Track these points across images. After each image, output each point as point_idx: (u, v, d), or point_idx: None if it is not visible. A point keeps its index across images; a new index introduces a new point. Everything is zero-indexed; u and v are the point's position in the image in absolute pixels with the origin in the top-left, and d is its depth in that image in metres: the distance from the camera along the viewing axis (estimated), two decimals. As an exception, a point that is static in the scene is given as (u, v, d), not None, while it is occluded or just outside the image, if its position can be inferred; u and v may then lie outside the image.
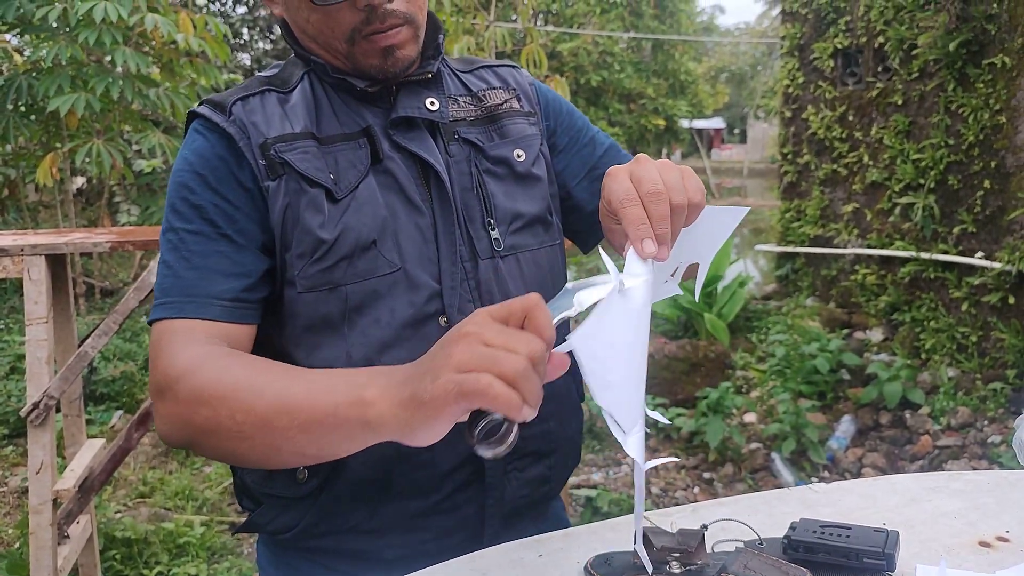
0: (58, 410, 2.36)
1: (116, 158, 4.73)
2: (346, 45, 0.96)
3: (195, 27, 4.56)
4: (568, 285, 0.74)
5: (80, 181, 7.91)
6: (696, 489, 3.71)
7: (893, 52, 5.16)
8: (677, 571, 0.81)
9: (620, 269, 0.76)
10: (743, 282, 6.00)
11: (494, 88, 1.11)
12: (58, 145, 5.33)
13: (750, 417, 4.38)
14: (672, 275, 0.87)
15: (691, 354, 4.79)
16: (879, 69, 5.49)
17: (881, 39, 5.31)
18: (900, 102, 5.19)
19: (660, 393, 4.45)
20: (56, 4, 4.34)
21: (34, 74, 4.82)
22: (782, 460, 3.80)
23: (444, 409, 0.66)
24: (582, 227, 1.17)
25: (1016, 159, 4.38)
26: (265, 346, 1.00)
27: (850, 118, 5.72)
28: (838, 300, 5.93)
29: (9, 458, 3.81)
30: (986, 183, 4.56)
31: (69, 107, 4.37)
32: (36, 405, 2.08)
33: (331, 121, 0.99)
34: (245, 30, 13.30)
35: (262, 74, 1.05)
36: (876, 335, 5.33)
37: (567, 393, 1.10)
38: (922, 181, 5.01)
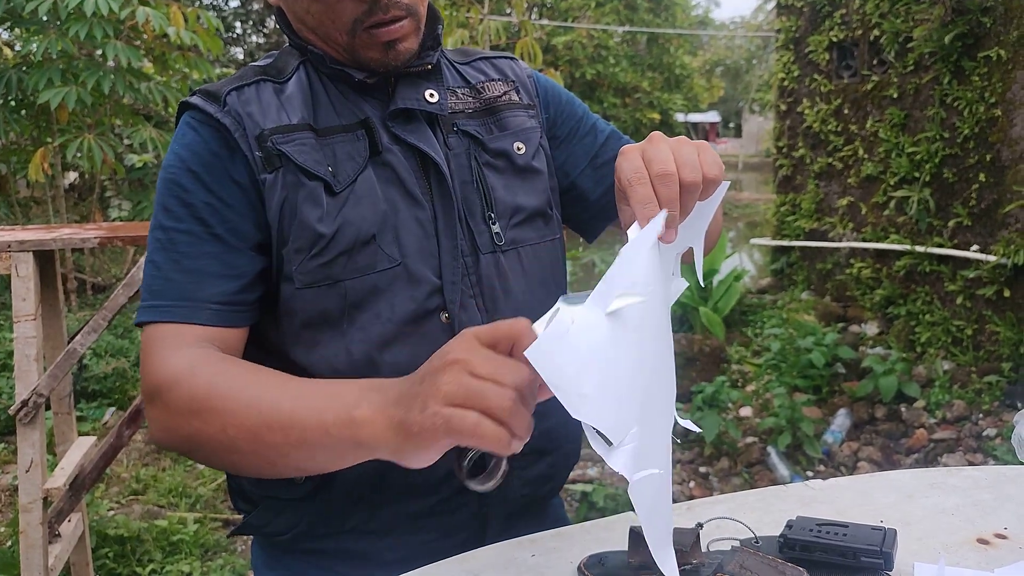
0: (48, 408, 2.34)
1: (107, 153, 4.69)
2: (347, 37, 0.94)
3: (187, 20, 4.53)
4: (559, 301, 0.69)
5: (72, 176, 7.87)
6: (692, 483, 3.71)
7: (888, 45, 5.15)
8: (672, 571, 0.80)
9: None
10: (738, 276, 5.99)
11: (493, 80, 1.09)
12: (49, 140, 5.30)
13: (746, 411, 4.38)
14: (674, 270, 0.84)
15: (687, 348, 4.78)
16: (874, 62, 5.48)
17: (876, 32, 5.30)
18: (895, 95, 5.18)
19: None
20: (46, -3, 4.30)
21: (24, 68, 4.78)
22: (778, 454, 3.80)
23: (432, 442, 0.66)
24: (586, 216, 1.15)
25: (1011, 152, 4.38)
26: (262, 344, 0.98)
27: (845, 111, 5.71)
28: (833, 294, 5.93)
29: (0, 456, 3.79)
30: (981, 176, 4.55)
31: (60, 101, 4.33)
32: (25, 403, 2.06)
33: (328, 112, 0.97)
34: (238, 24, 13.23)
35: (256, 63, 1.02)
36: (871, 329, 5.33)
37: None
38: (917, 174, 5.00)
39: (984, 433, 3.91)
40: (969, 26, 4.50)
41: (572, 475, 3.65)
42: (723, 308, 5.64)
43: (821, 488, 1.05)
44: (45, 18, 4.47)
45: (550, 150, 1.11)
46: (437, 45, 1.02)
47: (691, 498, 3.56)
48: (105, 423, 4.11)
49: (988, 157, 4.50)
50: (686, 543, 0.82)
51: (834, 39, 5.76)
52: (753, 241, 8.29)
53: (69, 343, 2.17)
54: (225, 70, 7.48)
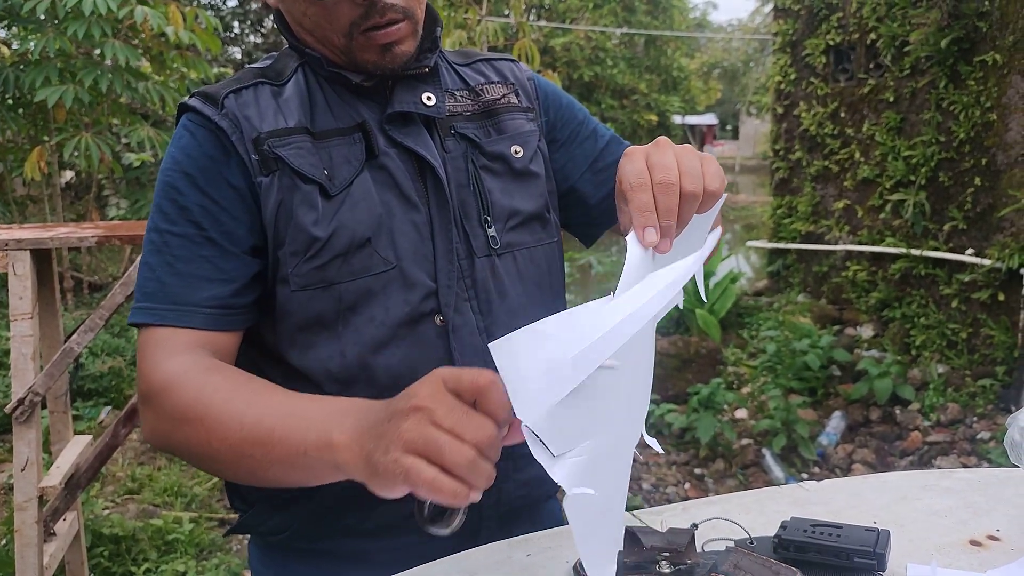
0: (44, 406, 2.34)
1: (104, 152, 4.69)
2: (344, 40, 0.94)
3: (185, 20, 4.53)
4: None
5: (68, 175, 7.85)
6: (687, 485, 3.71)
7: (885, 49, 5.17)
8: (667, 571, 0.81)
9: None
10: (735, 278, 6.01)
11: (492, 83, 1.09)
12: (46, 138, 5.29)
13: (741, 413, 4.39)
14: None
15: (683, 350, 4.79)
16: (871, 66, 5.50)
17: (873, 36, 5.31)
18: (892, 99, 5.20)
19: (652, 389, 4.45)
20: (44, -4, 4.29)
21: (21, 66, 4.78)
22: (773, 456, 3.81)
23: (393, 487, 0.67)
24: (585, 220, 1.14)
25: (1007, 157, 4.39)
26: (258, 346, 0.98)
27: (842, 115, 5.73)
28: (829, 296, 5.95)
29: (-4, 454, 3.78)
30: (977, 180, 4.57)
31: (57, 99, 4.33)
32: (21, 402, 2.06)
33: (326, 115, 0.97)
34: (236, 23, 13.22)
35: (255, 65, 1.02)
36: (867, 331, 5.34)
37: None
38: (913, 178, 5.02)
39: (978, 436, 3.92)
40: (965, 30, 4.52)
41: (568, 476, 3.65)
42: (719, 310, 5.65)
43: (815, 489, 1.05)
44: (43, 16, 4.46)
45: (550, 153, 1.11)
46: (435, 48, 1.02)
47: (686, 499, 3.57)
48: (101, 422, 4.11)
49: (983, 161, 4.52)
50: (681, 544, 0.83)
51: (831, 42, 5.77)
52: (750, 243, 8.31)
53: (66, 342, 2.17)
54: (223, 69, 7.47)
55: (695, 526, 0.88)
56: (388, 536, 0.99)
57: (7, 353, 4.18)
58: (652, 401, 4.22)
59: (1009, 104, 4.35)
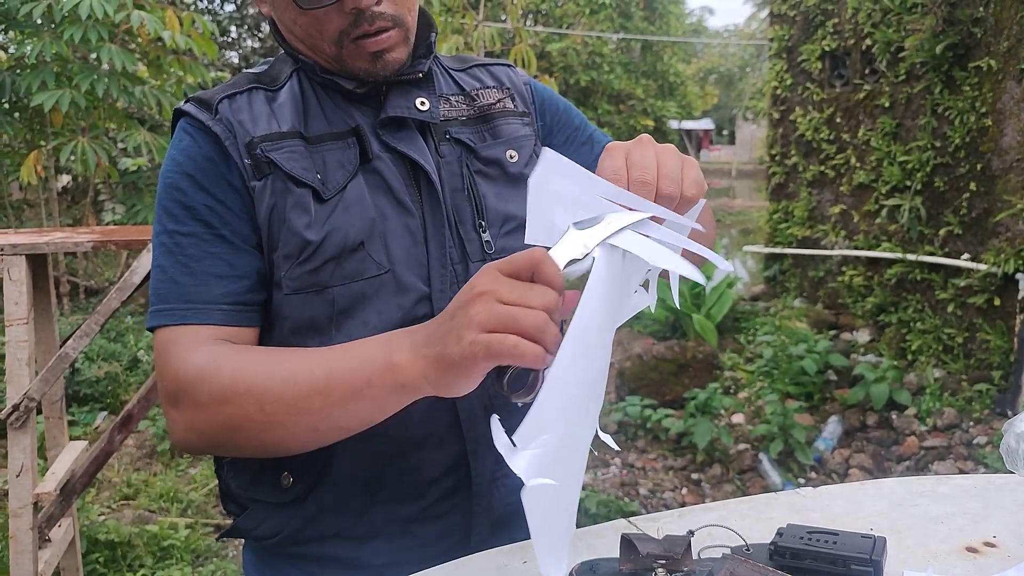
0: (40, 412, 2.33)
1: (101, 156, 4.68)
2: (334, 48, 0.94)
3: (182, 24, 4.53)
4: (568, 227, 0.72)
5: (65, 179, 7.84)
6: (684, 490, 3.71)
7: (880, 55, 5.19)
8: (663, 578, 0.80)
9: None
10: (731, 283, 6.01)
11: (488, 87, 1.09)
12: (42, 143, 5.28)
13: (738, 418, 4.39)
14: (644, 285, 0.82)
15: (679, 355, 4.79)
16: (866, 71, 5.52)
17: (868, 42, 5.33)
18: (887, 104, 5.22)
19: (648, 394, 4.45)
20: (41, 1, 4.29)
21: (18, 71, 4.77)
22: (770, 461, 3.81)
23: (474, 368, 0.71)
24: None
25: (1002, 162, 4.41)
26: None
27: (837, 120, 5.75)
28: (825, 301, 5.96)
29: (-9, 460, 3.77)
30: (972, 185, 4.58)
31: (53, 103, 4.32)
32: (16, 407, 2.05)
33: (319, 120, 0.97)
34: (233, 28, 13.22)
35: (250, 71, 1.03)
36: (863, 336, 5.35)
37: None
38: (909, 183, 5.03)
39: (975, 441, 3.93)
40: (960, 36, 4.53)
41: (565, 481, 3.65)
42: (716, 315, 5.65)
43: (812, 496, 1.05)
44: (40, 21, 4.47)
45: None
46: (430, 53, 1.03)
47: (683, 504, 3.57)
48: (97, 427, 4.09)
49: (979, 166, 4.53)
50: (677, 551, 0.82)
51: (826, 48, 5.79)
52: (746, 248, 8.32)
53: (61, 347, 2.16)
54: (220, 74, 7.47)
55: (691, 533, 0.88)
56: (380, 541, 0.99)
57: (2, 358, 4.18)
58: (649, 406, 4.23)
59: (1004, 109, 4.37)
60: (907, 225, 5.04)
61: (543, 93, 1.15)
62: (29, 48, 4.46)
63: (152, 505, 3.30)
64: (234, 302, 0.92)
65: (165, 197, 0.94)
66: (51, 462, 2.37)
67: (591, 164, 1.11)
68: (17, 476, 2.09)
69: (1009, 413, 4.11)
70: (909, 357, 4.95)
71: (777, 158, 6.50)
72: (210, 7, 12.76)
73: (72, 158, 4.67)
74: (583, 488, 3.47)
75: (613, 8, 16.32)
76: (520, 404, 0.70)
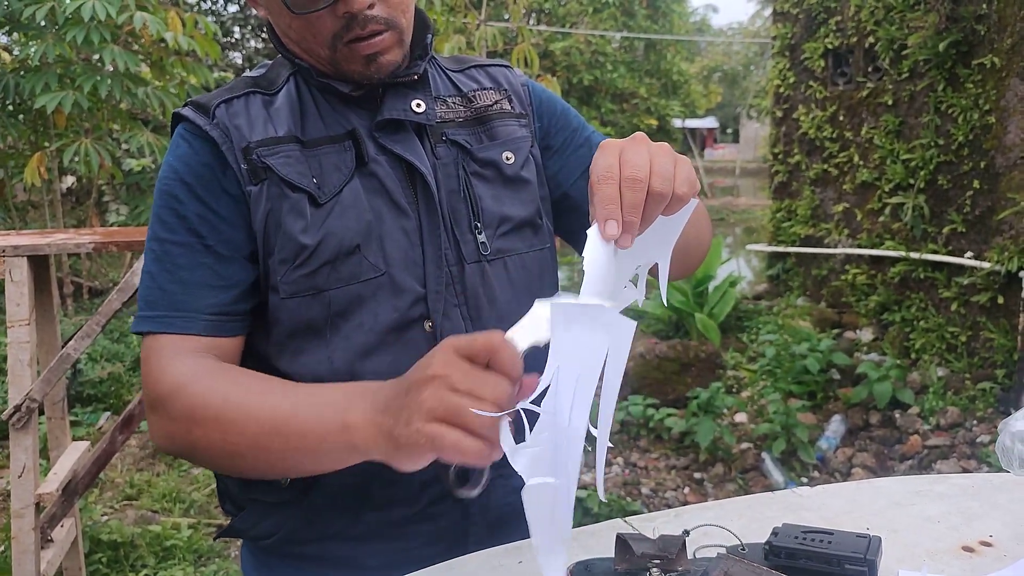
0: (42, 412, 2.34)
1: (104, 157, 4.70)
2: (328, 51, 0.94)
3: (185, 25, 4.54)
4: (537, 305, 0.71)
5: (69, 180, 7.87)
6: (686, 489, 3.71)
7: (883, 52, 5.18)
8: (657, 578, 0.80)
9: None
10: (734, 282, 6.00)
11: (485, 89, 1.09)
12: (46, 144, 5.30)
13: (740, 417, 4.39)
14: (634, 281, 0.83)
15: (682, 354, 4.79)
16: (869, 69, 5.50)
17: (871, 39, 5.32)
18: (890, 102, 5.20)
19: (651, 393, 4.45)
20: (44, 2, 4.31)
21: (22, 73, 4.79)
22: (772, 460, 3.80)
23: (419, 456, 0.70)
24: (579, 227, 1.13)
25: (1005, 159, 4.39)
26: (249, 352, 0.99)
27: (840, 118, 5.73)
28: (828, 300, 5.94)
29: (-5, 460, 3.78)
30: (975, 183, 4.57)
31: (56, 105, 4.34)
32: (18, 408, 2.06)
33: (316, 123, 0.98)
34: (236, 28, 13.24)
35: (249, 74, 1.03)
36: (866, 335, 5.34)
37: None
38: (912, 181, 5.02)
39: (978, 440, 3.92)
40: (963, 34, 4.52)
41: (567, 481, 3.64)
42: (719, 314, 5.65)
43: (809, 495, 1.05)
44: (43, 23, 4.48)
45: (544, 160, 1.11)
46: (426, 55, 1.03)
47: (685, 503, 3.56)
48: (100, 428, 4.11)
49: (982, 164, 4.52)
50: (672, 550, 0.82)
51: (829, 46, 5.78)
52: (749, 247, 8.31)
53: (63, 348, 2.17)
54: (223, 74, 7.48)
55: (687, 533, 0.88)
56: (377, 541, 1.00)
57: (5, 359, 4.19)
58: (651, 406, 4.22)
59: (1008, 107, 4.35)
60: (910, 223, 5.02)
61: (541, 94, 1.14)
62: (32, 50, 4.47)
63: (154, 505, 3.31)
64: (219, 312, 0.93)
65: (160, 204, 0.95)
66: (53, 462, 2.38)
67: (588, 166, 1.12)
68: (19, 477, 2.10)
69: (1013, 411, 4.10)
70: (912, 356, 4.94)
71: (780, 156, 6.49)
72: (213, 8, 12.78)
73: (75, 159, 4.68)
74: (584, 488, 3.47)
75: (616, 7, 16.31)
76: (464, 497, 0.71)
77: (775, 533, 0.86)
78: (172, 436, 0.88)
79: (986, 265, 4.44)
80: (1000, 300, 4.43)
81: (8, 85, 4.76)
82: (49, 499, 2.16)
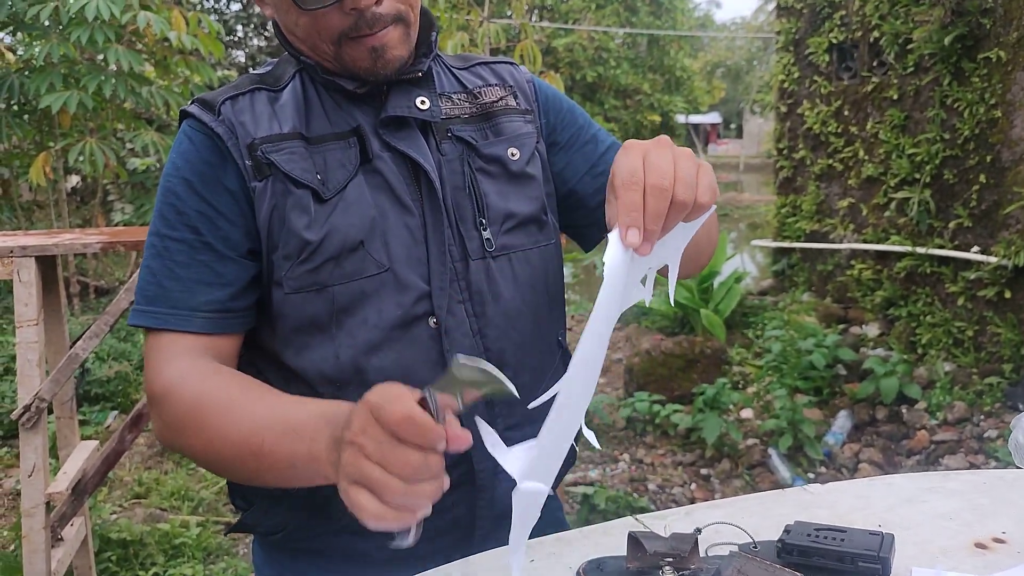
0: (51, 412, 2.35)
1: (109, 156, 4.71)
2: (334, 48, 0.95)
3: (188, 24, 4.54)
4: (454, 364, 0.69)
5: (74, 180, 7.88)
6: (693, 486, 3.71)
7: (888, 46, 5.15)
8: (670, 576, 0.81)
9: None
10: (739, 277, 5.99)
11: (490, 85, 1.09)
12: (51, 144, 5.31)
13: (747, 413, 4.38)
14: (643, 280, 0.83)
15: (688, 350, 4.78)
16: (874, 64, 5.48)
17: (876, 33, 5.30)
18: (895, 96, 5.18)
19: (657, 389, 4.45)
20: (48, 3, 4.31)
21: (26, 73, 4.80)
22: (779, 456, 3.80)
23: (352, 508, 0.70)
24: (583, 224, 1.14)
25: (1011, 153, 4.38)
26: (256, 346, 1.00)
27: (845, 113, 5.71)
28: (834, 295, 5.93)
29: (3, 460, 3.80)
30: (982, 177, 4.55)
31: (61, 105, 4.34)
32: (27, 408, 2.07)
33: (321, 120, 0.98)
34: (239, 27, 13.24)
35: (255, 72, 1.04)
36: (872, 330, 5.33)
37: None
38: (918, 176, 5.00)
39: (985, 435, 3.91)
40: (969, 27, 4.50)
41: (573, 477, 3.65)
42: (724, 310, 5.64)
43: (819, 492, 1.05)
44: (47, 23, 4.49)
45: (550, 156, 1.11)
46: (430, 52, 1.03)
47: (692, 500, 3.56)
48: (108, 427, 4.12)
49: (988, 158, 4.50)
50: (684, 549, 0.83)
51: (834, 41, 5.76)
52: (754, 243, 8.29)
53: (71, 348, 2.18)
54: (227, 72, 7.49)
55: (699, 531, 0.88)
56: (382, 535, 1.00)
57: (14, 359, 4.20)
58: (657, 402, 4.22)
59: (1014, 101, 4.33)
60: (916, 218, 5.00)
61: (546, 91, 1.15)
62: (37, 50, 4.48)
63: (163, 503, 3.32)
64: (217, 310, 0.94)
65: (161, 200, 0.97)
66: (63, 462, 2.38)
67: (594, 163, 1.12)
68: (29, 476, 2.11)
69: (1020, 406, 4.09)
70: (919, 351, 4.92)
71: (785, 152, 6.47)
72: (216, 6, 12.78)
73: (80, 159, 4.69)
74: (591, 485, 3.47)
75: (619, 3, 16.27)
76: (397, 548, 0.71)
77: (787, 531, 0.86)
78: (166, 437, 0.93)
79: (993, 259, 4.42)
80: (1007, 294, 4.42)
81: (13, 85, 4.76)
82: (59, 498, 2.17)
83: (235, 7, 13.24)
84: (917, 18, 4.77)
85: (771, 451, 3.84)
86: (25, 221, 6.74)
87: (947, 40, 4.51)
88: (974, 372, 4.46)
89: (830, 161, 5.89)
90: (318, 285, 0.94)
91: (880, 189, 5.36)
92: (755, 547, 0.87)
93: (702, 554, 0.86)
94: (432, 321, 0.96)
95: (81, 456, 2.35)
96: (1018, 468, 1.04)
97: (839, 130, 5.77)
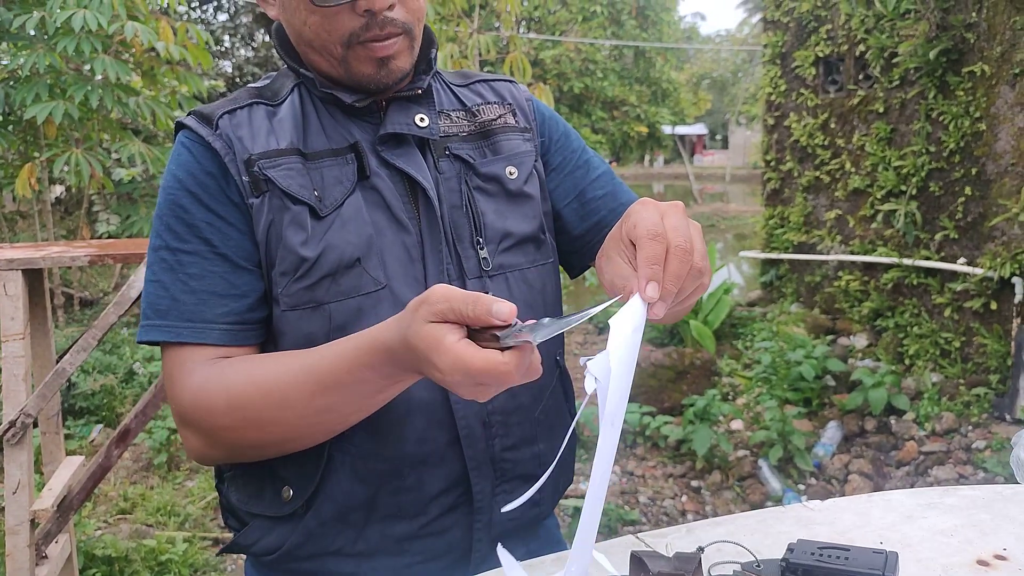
0: (35, 426, 2.31)
1: (95, 167, 4.67)
2: (342, 49, 0.94)
3: (176, 35, 4.52)
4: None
5: (59, 190, 7.82)
6: (684, 497, 3.70)
7: (874, 60, 5.21)
8: (674, 597, 0.80)
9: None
10: (728, 289, 6.01)
11: (489, 103, 1.09)
12: (36, 155, 5.26)
13: (737, 424, 4.39)
14: None
15: (677, 362, 4.79)
16: (860, 77, 5.54)
17: (862, 47, 5.35)
18: (881, 110, 5.24)
19: (647, 401, 4.44)
20: (34, 13, 4.28)
21: (12, 83, 4.75)
22: (769, 467, 3.80)
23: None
24: (565, 251, 1.13)
25: (996, 166, 4.42)
26: None
27: (832, 125, 5.76)
28: (822, 306, 5.96)
29: (-14, 474, 3.74)
30: (967, 190, 4.60)
31: (47, 115, 4.30)
32: (12, 423, 2.03)
33: (319, 136, 0.97)
34: (226, 37, 13.22)
35: (253, 85, 1.03)
36: (860, 341, 5.36)
37: (558, 415, 1.08)
38: (904, 188, 5.05)
39: (973, 445, 3.93)
40: (953, 42, 4.55)
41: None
42: (713, 321, 5.65)
43: (820, 509, 1.05)
44: (33, 33, 4.46)
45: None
46: (430, 69, 1.03)
47: (683, 512, 3.56)
48: (92, 441, 4.07)
49: (974, 171, 4.55)
50: (688, 568, 0.82)
51: (820, 54, 5.81)
52: (742, 254, 8.33)
53: (58, 362, 2.15)
54: (214, 83, 7.46)
55: (701, 549, 0.88)
56: (380, 557, 0.99)
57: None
58: (648, 414, 4.22)
59: (998, 114, 4.38)
60: (903, 230, 5.05)
61: (544, 111, 1.15)
62: (23, 60, 4.44)
63: (149, 519, 3.28)
64: (234, 321, 0.93)
65: (167, 213, 0.94)
66: (48, 477, 2.35)
67: (583, 189, 1.11)
68: (14, 493, 2.08)
69: (1007, 417, 4.12)
70: (906, 362, 4.95)
71: (772, 163, 6.51)
72: (203, 17, 12.76)
73: (66, 169, 4.65)
74: (582, 497, 3.46)
75: (605, 16, 16.38)
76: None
77: (791, 549, 0.85)
78: (213, 441, 0.90)
79: (979, 271, 4.46)
80: (993, 306, 4.46)
81: (-2, 95, 4.71)
82: (44, 515, 2.14)
83: (222, 17, 13.22)
84: (902, 32, 4.83)
85: (761, 463, 3.85)
86: (8, 232, 6.67)
87: (932, 54, 4.57)
88: (961, 383, 4.49)
89: (817, 173, 5.94)
90: (314, 303, 0.93)
91: (867, 201, 5.40)
92: (758, 566, 0.86)
93: (705, 573, 0.86)
94: None
95: (66, 472, 2.32)
96: (1016, 483, 1.04)
97: (826, 142, 5.82)
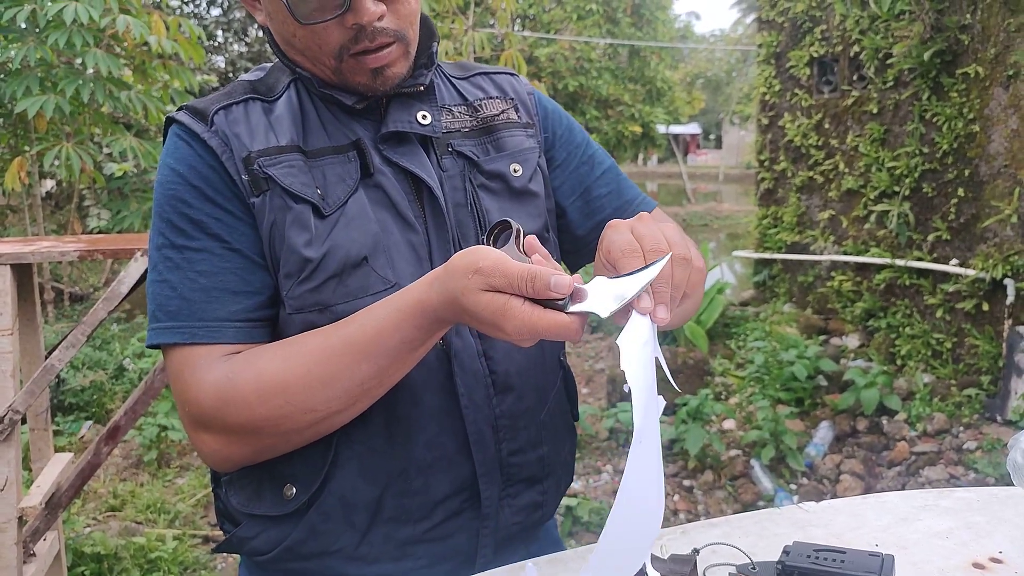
0: (24, 422, 2.29)
1: (86, 161, 4.63)
2: (334, 61, 0.91)
3: (168, 29, 4.49)
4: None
5: (49, 185, 7.76)
6: (676, 497, 3.70)
7: (868, 61, 5.22)
8: (669, 599, 0.79)
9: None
10: (721, 288, 6.02)
11: (491, 97, 1.06)
12: (26, 148, 5.22)
13: (729, 424, 4.39)
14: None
15: (670, 361, 4.79)
16: (854, 78, 5.54)
17: (856, 48, 5.36)
18: (875, 110, 5.24)
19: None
20: (25, 5, 4.24)
21: (2, 76, 4.72)
22: (761, 467, 3.80)
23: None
24: (569, 248, 1.12)
25: (989, 168, 4.44)
26: None
27: (826, 126, 5.77)
28: (815, 306, 5.98)
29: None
30: (960, 191, 4.61)
31: (38, 109, 4.27)
32: (0, 420, 2.01)
33: (319, 133, 0.94)
34: (220, 32, 13.15)
35: (246, 78, 0.99)
36: (852, 341, 5.37)
37: (561, 417, 1.07)
38: (897, 189, 5.06)
39: (964, 446, 3.94)
40: (948, 43, 4.56)
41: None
42: (706, 321, 5.66)
43: (815, 511, 1.04)
44: (24, 25, 4.42)
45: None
46: (431, 63, 1.00)
47: (675, 512, 3.56)
48: (82, 437, 4.04)
49: (967, 172, 4.56)
50: (683, 571, 0.81)
51: (815, 55, 5.82)
52: (736, 253, 8.34)
53: (47, 358, 2.12)
54: (207, 77, 7.43)
55: (696, 551, 0.87)
56: (382, 561, 0.97)
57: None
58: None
59: (991, 116, 4.40)
60: (896, 230, 5.06)
61: (547, 105, 1.12)
62: (13, 53, 4.40)
63: (139, 516, 3.26)
64: (247, 319, 0.89)
65: (168, 209, 0.90)
66: (36, 474, 2.32)
67: (588, 186, 1.10)
68: (2, 490, 2.05)
69: (998, 418, 4.13)
70: (898, 362, 4.97)
71: (766, 164, 6.52)
72: (196, 11, 12.70)
73: (56, 163, 4.61)
74: (574, 496, 3.45)
75: (600, 14, 16.37)
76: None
77: (786, 552, 0.85)
78: (231, 448, 0.88)
79: (971, 272, 4.48)
80: (985, 307, 4.47)
81: (-12, 89, 4.67)
82: (32, 513, 2.11)
83: (215, 12, 13.15)
84: (897, 33, 4.84)
85: (753, 462, 3.85)
86: (-2, 226, 6.63)
87: (926, 55, 4.58)
88: (953, 383, 4.51)
89: (811, 173, 5.94)
90: (320, 305, 0.90)
91: (860, 201, 5.41)
92: (754, 568, 0.86)
93: (700, 575, 0.85)
94: (440, 342, 0.93)
95: (55, 469, 2.29)
96: (1011, 485, 1.04)
97: (820, 143, 5.83)
